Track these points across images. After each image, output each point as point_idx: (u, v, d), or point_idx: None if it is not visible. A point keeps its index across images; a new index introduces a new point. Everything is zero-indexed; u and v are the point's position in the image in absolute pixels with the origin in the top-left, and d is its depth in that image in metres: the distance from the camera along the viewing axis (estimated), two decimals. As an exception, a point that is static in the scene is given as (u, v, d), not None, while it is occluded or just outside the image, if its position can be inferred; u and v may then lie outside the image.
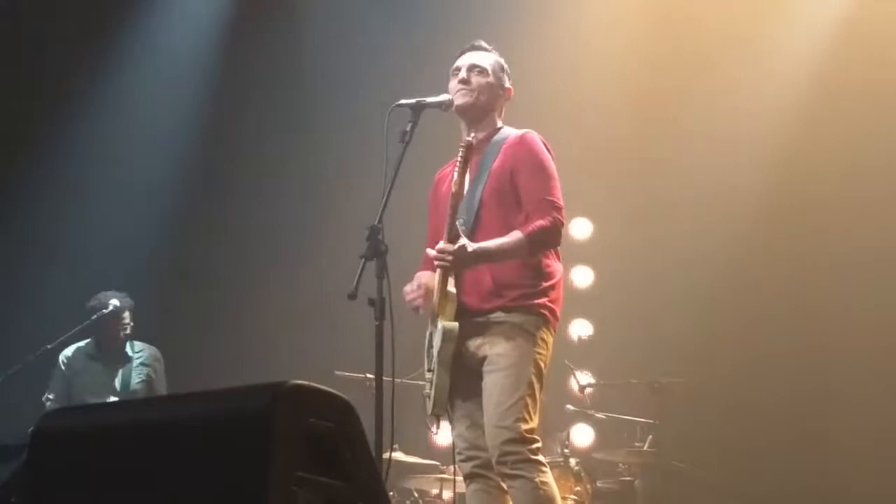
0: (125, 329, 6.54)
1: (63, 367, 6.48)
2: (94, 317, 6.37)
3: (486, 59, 4.18)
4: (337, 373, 6.09)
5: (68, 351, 6.53)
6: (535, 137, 4.10)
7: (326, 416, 2.38)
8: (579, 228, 7.83)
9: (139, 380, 6.50)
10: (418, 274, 4.13)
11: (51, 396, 6.40)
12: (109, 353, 6.56)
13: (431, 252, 3.87)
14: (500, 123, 4.21)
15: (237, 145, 8.05)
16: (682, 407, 6.62)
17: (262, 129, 8.06)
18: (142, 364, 6.58)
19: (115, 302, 6.44)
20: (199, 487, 2.31)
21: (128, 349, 6.60)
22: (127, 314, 6.54)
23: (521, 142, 4.06)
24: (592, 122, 7.50)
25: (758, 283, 7.32)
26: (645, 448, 6.30)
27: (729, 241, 7.26)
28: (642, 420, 6.43)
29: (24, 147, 7.52)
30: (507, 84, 4.22)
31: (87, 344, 6.57)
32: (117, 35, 7.71)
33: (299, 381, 2.36)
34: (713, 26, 7.45)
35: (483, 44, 4.23)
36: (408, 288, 4.06)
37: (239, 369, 6.92)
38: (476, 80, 4.12)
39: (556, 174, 4.04)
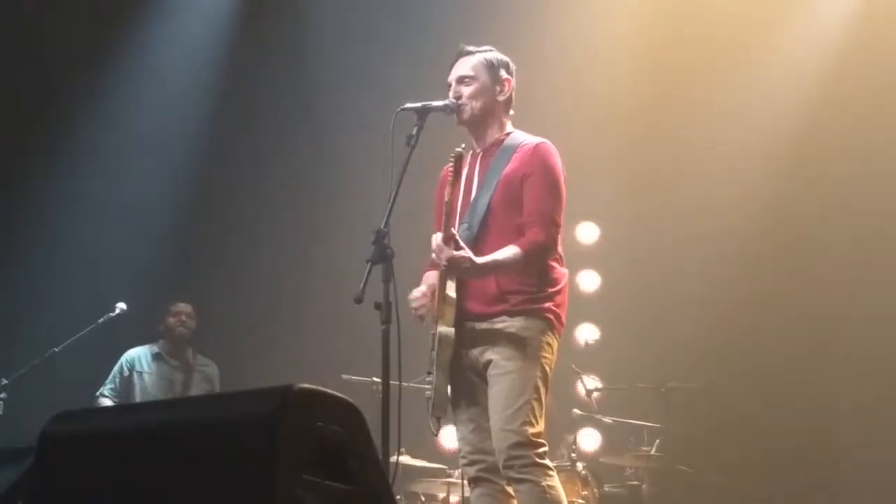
0: (183, 325, 6.79)
1: (125, 366, 6.73)
2: (101, 320, 6.46)
3: (470, 63, 4.10)
4: (344, 377, 6.10)
5: (132, 351, 6.78)
6: (552, 150, 4.04)
7: (334, 420, 2.37)
8: (586, 232, 7.85)
9: (199, 392, 6.65)
10: (426, 275, 4.11)
11: (106, 392, 6.64)
12: (174, 356, 6.81)
13: (437, 240, 3.83)
14: (509, 126, 4.15)
15: (244, 150, 8.07)
16: (688, 411, 6.62)
17: (269, 133, 8.07)
18: (204, 379, 6.82)
19: (121, 305, 6.52)
20: (205, 491, 2.31)
21: (190, 358, 6.84)
22: (185, 311, 6.81)
23: (537, 151, 4.00)
24: (600, 126, 7.49)
25: (765, 288, 7.31)
26: (652, 452, 6.30)
27: (736, 246, 7.25)
28: (649, 424, 6.43)
29: (32, 150, 7.55)
30: (504, 76, 4.12)
31: (155, 344, 6.83)
32: (122, 36, 7.73)
33: (306, 385, 2.35)
34: (722, 30, 7.44)
35: (467, 48, 4.15)
36: (415, 294, 4.03)
37: (246, 373, 6.95)
38: (464, 90, 4.06)
39: (564, 194, 4.00)
